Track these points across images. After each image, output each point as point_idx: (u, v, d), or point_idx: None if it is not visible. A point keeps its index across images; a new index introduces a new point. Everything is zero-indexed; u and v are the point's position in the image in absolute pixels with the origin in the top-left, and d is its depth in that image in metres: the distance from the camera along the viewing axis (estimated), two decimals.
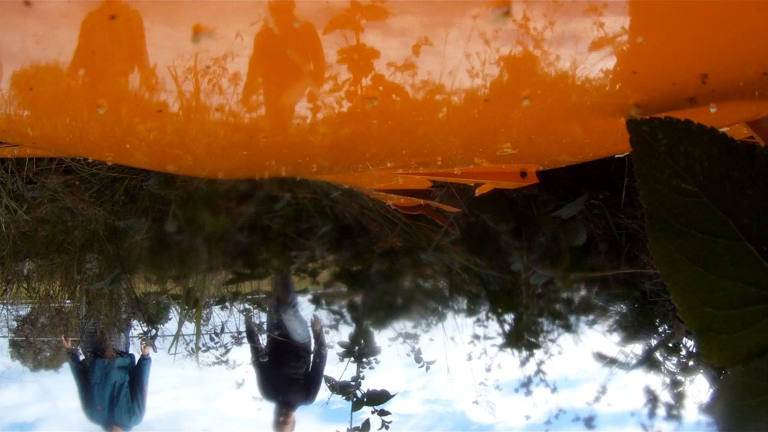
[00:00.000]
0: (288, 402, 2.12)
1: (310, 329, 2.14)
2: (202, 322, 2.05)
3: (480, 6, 0.38)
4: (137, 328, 2.23)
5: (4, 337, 2.48)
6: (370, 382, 1.83)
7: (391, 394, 1.78)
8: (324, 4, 0.37)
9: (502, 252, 1.61)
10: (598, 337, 1.84)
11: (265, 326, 2.17)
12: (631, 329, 1.81)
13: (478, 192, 0.76)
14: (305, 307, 2.11)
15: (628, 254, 1.59)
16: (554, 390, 1.86)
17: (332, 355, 1.95)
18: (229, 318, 2.14)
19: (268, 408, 2.12)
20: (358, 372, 1.84)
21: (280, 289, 2.12)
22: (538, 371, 1.85)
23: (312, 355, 2.14)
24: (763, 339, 0.41)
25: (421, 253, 1.72)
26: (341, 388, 1.82)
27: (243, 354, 2.16)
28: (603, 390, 1.80)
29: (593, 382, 1.82)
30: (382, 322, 1.92)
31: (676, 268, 0.40)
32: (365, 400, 1.78)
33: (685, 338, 1.72)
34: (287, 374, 2.11)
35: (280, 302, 2.12)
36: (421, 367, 1.98)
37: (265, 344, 2.14)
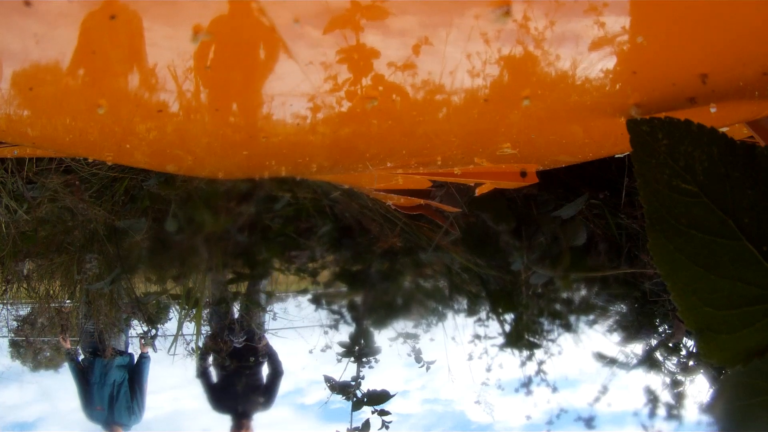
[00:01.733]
0: (245, 411, 2.04)
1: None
2: (202, 322, 2.05)
3: (480, 6, 0.38)
4: (137, 328, 2.23)
5: (4, 337, 2.48)
6: (370, 382, 1.83)
7: (391, 394, 1.78)
8: (324, 5, 0.37)
9: (502, 252, 1.61)
10: (598, 337, 1.84)
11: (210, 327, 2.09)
12: (631, 329, 1.81)
13: (478, 192, 0.76)
14: (305, 307, 2.11)
15: (628, 254, 1.59)
16: (555, 390, 1.86)
17: (332, 354, 1.95)
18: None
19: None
20: (359, 372, 1.84)
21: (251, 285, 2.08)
22: (539, 371, 1.85)
23: (259, 355, 2.07)
24: (763, 339, 0.41)
25: (421, 253, 1.72)
26: (341, 388, 1.82)
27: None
28: (604, 390, 1.81)
29: (593, 382, 1.82)
30: (382, 322, 1.92)
31: (676, 268, 0.40)
32: (365, 400, 1.78)
33: (685, 338, 1.72)
34: (239, 380, 2.03)
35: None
36: (421, 367, 1.98)
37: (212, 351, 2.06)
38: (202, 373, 2.06)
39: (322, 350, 1.96)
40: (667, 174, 0.39)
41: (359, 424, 1.77)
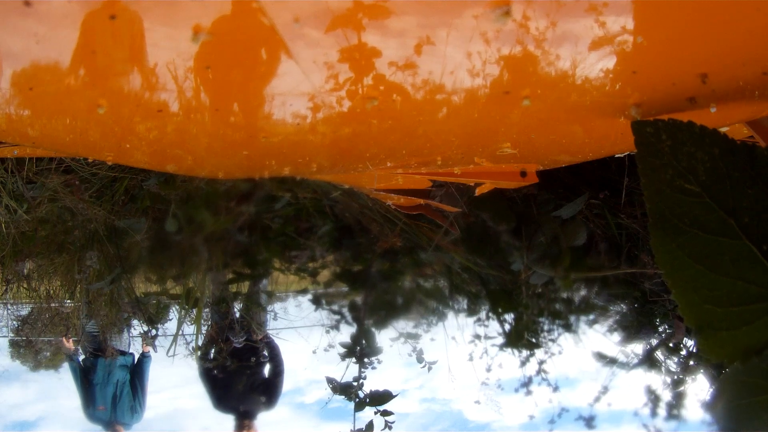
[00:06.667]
0: (247, 411, 2.04)
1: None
2: (202, 322, 2.05)
3: (480, 6, 0.38)
4: (137, 327, 2.24)
5: (4, 337, 2.48)
6: (369, 382, 1.82)
7: (394, 394, 1.78)
8: (325, 4, 0.37)
9: (502, 252, 1.61)
10: (598, 336, 1.84)
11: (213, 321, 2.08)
12: (631, 329, 1.81)
13: (478, 192, 0.76)
14: (306, 307, 2.11)
15: (628, 254, 1.59)
16: (556, 389, 1.86)
17: (333, 354, 1.95)
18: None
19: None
20: (360, 372, 1.83)
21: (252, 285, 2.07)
22: (540, 371, 1.85)
23: (261, 354, 2.06)
24: (762, 336, 0.41)
25: (421, 253, 1.72)
26: (343, 389, 1.81)
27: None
28: (605, 390, 1.81)
29: (593, 381, 1.83)
30: (382, 322, 1.92)
31: (677, 266, 0.41)
32: (367, 400, 1.78)
33: (685, 338, 1.73)
34: (242, 379, 2.02)
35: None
36: (423, 367, 1.98)
37: (213, 351, 2.05)
38: (204, 373, 2.06)
39: (325, 350, 1.96)
40: (669, 174, 0.40)
41: (360, 424, 1.77)
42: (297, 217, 1.78)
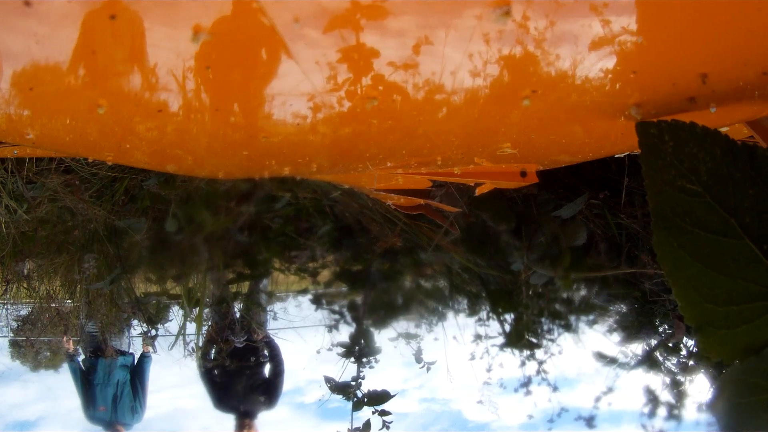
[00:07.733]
0: (248, 411, 2.04)
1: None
2: (203, 321, 2.05)
3: (480, 6, 0.38)
4: (137, 327, 2.24)
5: (4, 337, 2.48)
6: (369, 381, 1.82)
7: (392, 394, 1.78)
8: (324, 4, 0.37)
9: (502, 252, 1.61)
10: (598, 336, 1.84)
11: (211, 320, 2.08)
12: (631, 329, 1.81)
13: (478, 192, 0.76)
14: (306, 307, 2.11)
15: (628, 254, 1.59)
16: (556, 389, 1.86)
17: (332, 355, 1.95)
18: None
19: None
20: (359, 372, 1.83)
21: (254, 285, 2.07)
22: (540, 371, 1.85)
23: (261, 354, 2.06)
24: (762, 335, 0.41)
25: (421, 253, 1.72)
26: (341, 389, 1.81)
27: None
28: (606, 390, 1.81)
29: (593, 382, 1.83)
30: (382, 322, 1.92)
31: (678, 266, 0.41)
32: (365, 400, 1.78)
33: (685, 338, 1.73)
34: (242, 379, 2.02)
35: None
36: (422, 367, 1.98)
37: (213, 351, 2.05)
38: (205, 373, 2.06)
39: (328, 350, 1.95)
40: (672, 174, 0.40)
41: (359, 424, 1.77)
42: (297, 217, 1.78)
